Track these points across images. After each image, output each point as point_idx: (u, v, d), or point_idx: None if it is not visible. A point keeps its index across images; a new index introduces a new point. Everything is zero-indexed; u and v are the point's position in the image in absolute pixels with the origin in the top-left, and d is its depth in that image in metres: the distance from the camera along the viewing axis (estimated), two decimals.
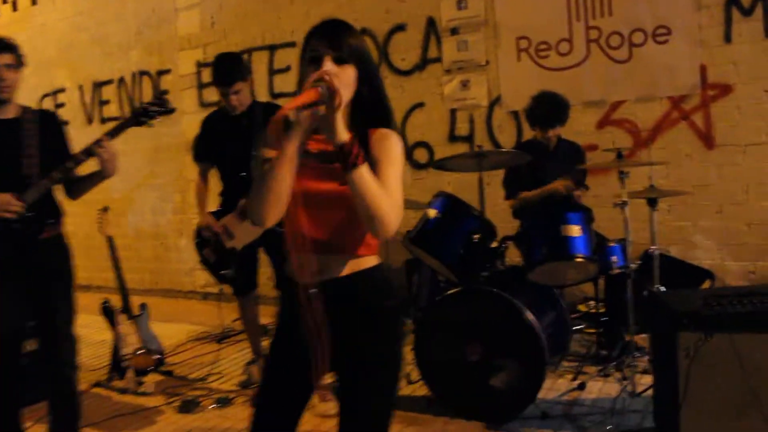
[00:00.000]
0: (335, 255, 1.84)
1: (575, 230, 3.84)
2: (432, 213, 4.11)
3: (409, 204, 4.70)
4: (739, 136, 5.07)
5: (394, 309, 1.91)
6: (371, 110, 1.86)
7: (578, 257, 3.84)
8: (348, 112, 1.80)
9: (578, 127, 5.45)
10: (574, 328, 4.63)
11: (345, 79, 1.76)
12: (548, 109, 4.55)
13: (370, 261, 1.89)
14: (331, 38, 1.80)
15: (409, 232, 4.20)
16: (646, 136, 5.36)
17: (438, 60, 6.22)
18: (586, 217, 3.97)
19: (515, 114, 5.84)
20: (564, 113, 4.57)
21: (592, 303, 5.06)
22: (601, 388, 4.07)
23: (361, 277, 1.86)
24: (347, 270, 1.85)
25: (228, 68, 4.04)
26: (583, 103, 5.54)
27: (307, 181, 1.78)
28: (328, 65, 1.76)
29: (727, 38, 5.06)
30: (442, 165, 4.26)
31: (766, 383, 2.96)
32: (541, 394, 3.81)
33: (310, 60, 1.80)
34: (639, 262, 4.32)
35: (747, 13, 5.00)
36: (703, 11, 5.12)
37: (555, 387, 4.15)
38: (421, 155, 6.32)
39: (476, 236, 3.93)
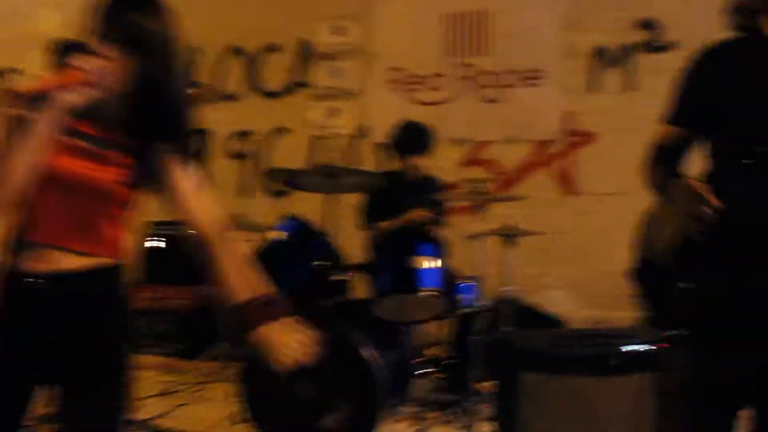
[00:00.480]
0: (70, 247, 1.62)
1: (424, 263, 3.58)
2: (275, 235, 3.75)
3: (257, 227, 4.37)
4: (600, 184, 5.05)
5: (123, 317, 1.72)
6: (155, 117, 1.64)
7: (424, 291, 3.57)
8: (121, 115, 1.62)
9: (443, 164, 5.26)
10: (419, 371, 4.34)
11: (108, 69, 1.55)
12: (410, 135, 4.39)
13: (108, 261, 1.68)
14: (118, 16, 1.58)
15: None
16: (509, 178, 5.26)
17: (307, 85, 5.95)
18: (438, 251, 3.73)
19: (382, 146, 5.60)
20: (426, 141, 4.40)
21: (440, 347, 4.82)
22: None
23: (93, 276, 1.64)
24: (80, 266, 1.62)
25: None
26: (450, 140, 5.39)
27: (62, 160, 1.58)
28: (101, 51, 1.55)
29: (594, 87, 5.08)
30: (294, 183, 3.93)
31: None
32: None
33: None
34: (490, 304, 4.11)
35: (613, 64, 5.04)
36: (573, 59, 5.12)
37: None
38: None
39: (319, 263, 3.60)
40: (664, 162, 2.01)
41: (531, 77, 5.23)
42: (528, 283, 5.10)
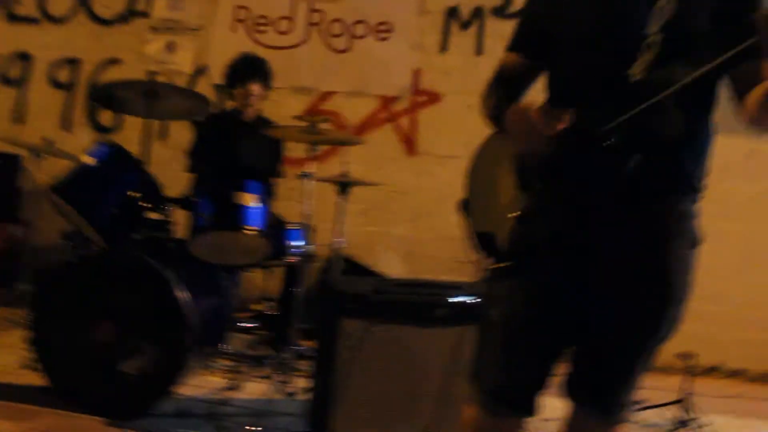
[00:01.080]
0: None
1: (250, 199, 3.30)
2: (86, 160, 3.34)
3: (65, 155, 3.95)
4: (440, 146, 4.99)
5: None
6: None
7: (248, 229, 3.29)
8: None
9: (285, 112, 4.98)
10: (243, 325, 4.08)
11: None
12: (245, 64, 4.18)
13: None
14: None
15: (54, 182, 3.37)
16: (352, 132, 5.08)
17: (146, 15, 5.45)
18: (266, 190, 3.47)
19: (220, 88, 5.23)
20: (262, 70, 4.20)
21: (269, 303, 4.58)
22: (257, 390, 3.53)
23: None
24: None
25: None
26: (294, 88, 5.15)
27: None
28: None
29: (444, 47, 5.00)
30: (112, 102, 3.53)
31: (428, 384, 2.65)
32: (187, 392, 3.23)
33: None
34: (318, 255, 3.92)
35: (464, 26, 4.98)
36: (425, 16, 5.02)
37: (204, 385, 3.54)
38: (106, 118, 5.46)
39: (133, 194, 3.24)
40: (501, 90, 1.90)
41: (382, 30, 5.07)
42: (363, 242, 4.99)
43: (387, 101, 5.09)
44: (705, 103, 1.69)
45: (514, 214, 1.74)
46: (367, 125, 5.11)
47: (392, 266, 5.03)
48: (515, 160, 1.78)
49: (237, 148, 4.06)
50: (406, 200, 5.04)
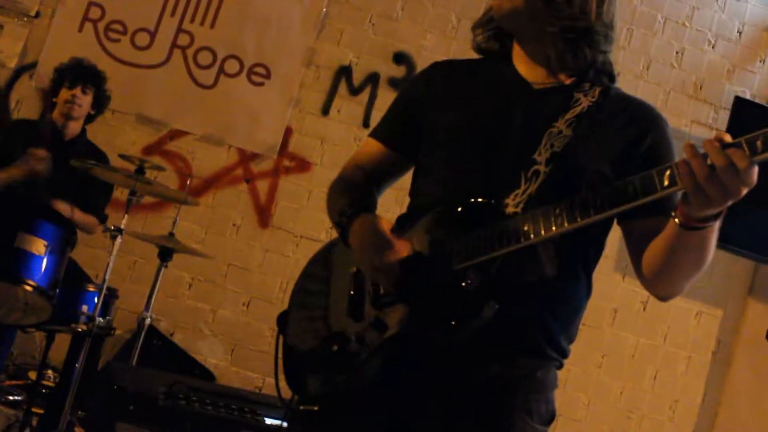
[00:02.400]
0: None
1: (38, 246, 3.05)
2: None
3: None
4: (299, 223, 4.91)
5: None
6: None
7: (29, 284, 3.03)
8: None
9: (121, 143, 4.79)
10: (7, 396, 3.78)
11: None
12: (74, 66, 4.11)
13: None
14: None
15: None
16: (197, 185, 4.90)
17: None
18: (64, 236, 3.22)
19: (45, 94, 4.94)
20: (94, 78, 4.14)
21: (50, 373, 4.28)
22: None
23: None
24: None
25: None
26: (139, 117, 4.94)
27: None
28: None
29: (326, 110, 4.97)
30: None
31: None
32: None
33: None
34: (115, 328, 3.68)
35: (354, 91, 4.99)
36: (311, 69, 4.99)
37: None
38: None
39: None
40: (352, 192, 1.84)
41: (257, 73, 4.99)
42: (186, 319, 4.78)
43: (247, 157, 4.97)
44: (585, 255, 1.67)
45: (336, 348, 1.63)
46: (217, 180, 4.95)
47: (214, 355, 4.81)
48: (354, 281, 1.69)
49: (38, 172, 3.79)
50: (245, 278, 4.87)
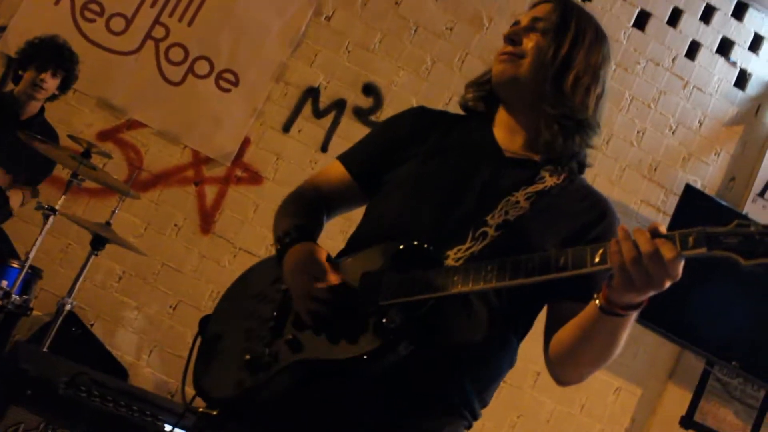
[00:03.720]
0: None
1: None
2: None
3: None
4: (240, 236, 4.86)
5: None
6: None
7: None
8: None
9: (77, 123, 4.73)
10: None
11: None
12: (49, 46, 4.06)
13: None
14: None
15: None
16: (145, 179, 4.84)
17: None
18: None
19: (10, 61, 4.86)
20: (66, 63, 4.10)
21: None
22: None
23: None
24: None
25: None
26: (100, 101, 4.88)
27: None
28: None
29: (287, 128, 4.96)
30: None
31: None
32: None
33: None
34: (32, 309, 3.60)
35: (318, 114, 4.99)
36: (280, 85, 4.98)
37: None
38: None
39: None
40: (302, 213, 1.84)
41: (226, 79, 4.97)
42: (108, 310, 4.69)
43: (201, 160, 4.91)
44: (517, 325, 1.68)
45: (248, 357, 1.62)
46: (166, 178, 4.89)
47: (131, 353, 4.71)
48: (282, 298, 1.70)
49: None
50: (177, 281, 4.79)
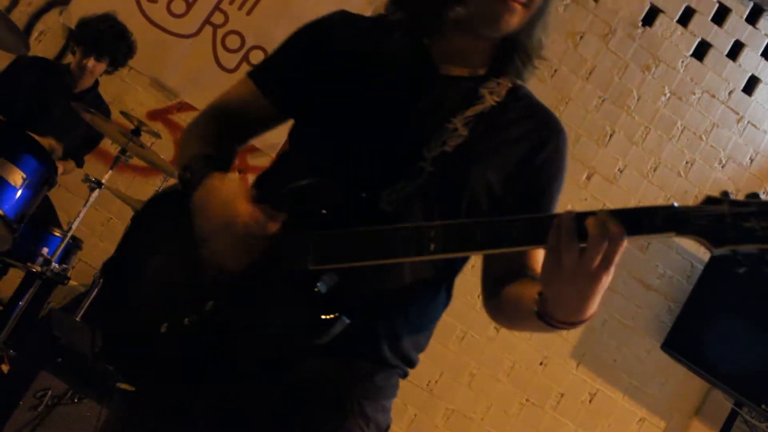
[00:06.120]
0: None
1: (16, 176, 3.03)
2: None
3: None
4: None
5: None
6: None
7: None
8: None
9: (129, 101, 4.78)
10: None
11: None
12: (102, 32, 4.04)
13: None
14: None
15: None
16: None
17: None
18: (44, 174, 3.20)
19: (70, 34, 4.93)
20: (116, 50, 4.11)
21: None
22: None
23: None
24: None
25: None
26: (154, 81, 4.92)
27: None
28: None
29: None
30: None
31: None
32: None
33: None
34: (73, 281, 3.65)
35: None
36: None
37: None
38: None
39: None
40: (211, 133, 1.61)
41: None
42: None
43: (245, 149, 4.93)
44: (451, 268, 1.54)
45: (165, 325, 1.42)
46: None
47: None
48: (192, 253, 1.44)
49: (40, 111, 3.80)
50: None
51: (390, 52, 1.55)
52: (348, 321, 1.32)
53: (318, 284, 1.33)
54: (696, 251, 5.09)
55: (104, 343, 1.53)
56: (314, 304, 1.32)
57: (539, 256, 1.29)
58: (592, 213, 1.16)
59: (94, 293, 3.59)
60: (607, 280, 1.18)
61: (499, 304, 1.49)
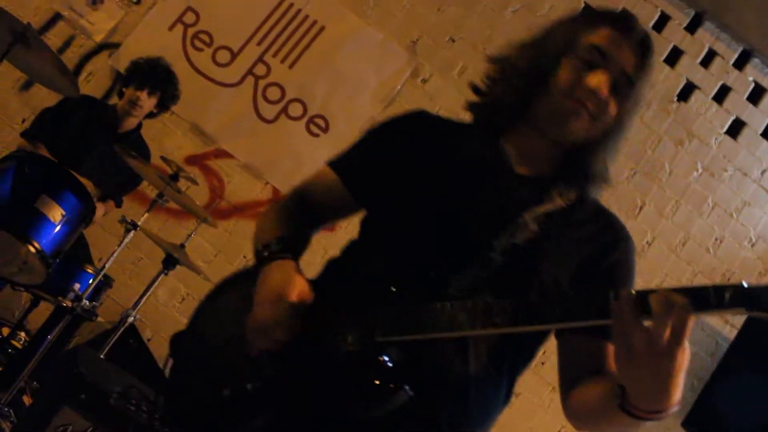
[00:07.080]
0: None
1: (56, 213, 3.10)
2: None
3: None
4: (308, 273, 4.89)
5: None
6: None
7: (34, 246, 3.06)
8: None
9: (169, 145, 4.89)
10: None
11: None
12: (152, 67, 4.16)
13: None
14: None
15: None
16: (224, 207, 4.96)
17: None
18: (82, 212, 3.27)
19: (118, 76, 5.07)
20: (166, 83, 4.20)
21: (22, 335, 4.30)
22: None
23: None
24: None
25: None
26: (193, 126, 5.04)
27: None
28: None
29: None
30: None
31: None
32: None
33: None
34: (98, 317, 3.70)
35: None
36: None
37: None
38: None
39: None
40: (289, 219, 1.71)
41: (317, 124, 5.10)
42: (167, 328, 4.76)
43: (279, 198, 5.01)
44: (515, 361, 1.54)
45: (227, 393, 1.48)
46: (244, 210, 5.00)
47: None
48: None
49: (84, 150, 3.90)
50: None
51: (466, 149, 1.61)
52: (411, 393, 1.34)
53: (384, 355, 1.36)
54: (722, 329, 5.05)
55: (167, 407, 1.61)
56: (379, 375, 1.36)
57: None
58: (653, 291, 1.16)
59: (120, 332, 3.63)
60: (682, 357, 1.16)
61: (579, 404, 1.46)
